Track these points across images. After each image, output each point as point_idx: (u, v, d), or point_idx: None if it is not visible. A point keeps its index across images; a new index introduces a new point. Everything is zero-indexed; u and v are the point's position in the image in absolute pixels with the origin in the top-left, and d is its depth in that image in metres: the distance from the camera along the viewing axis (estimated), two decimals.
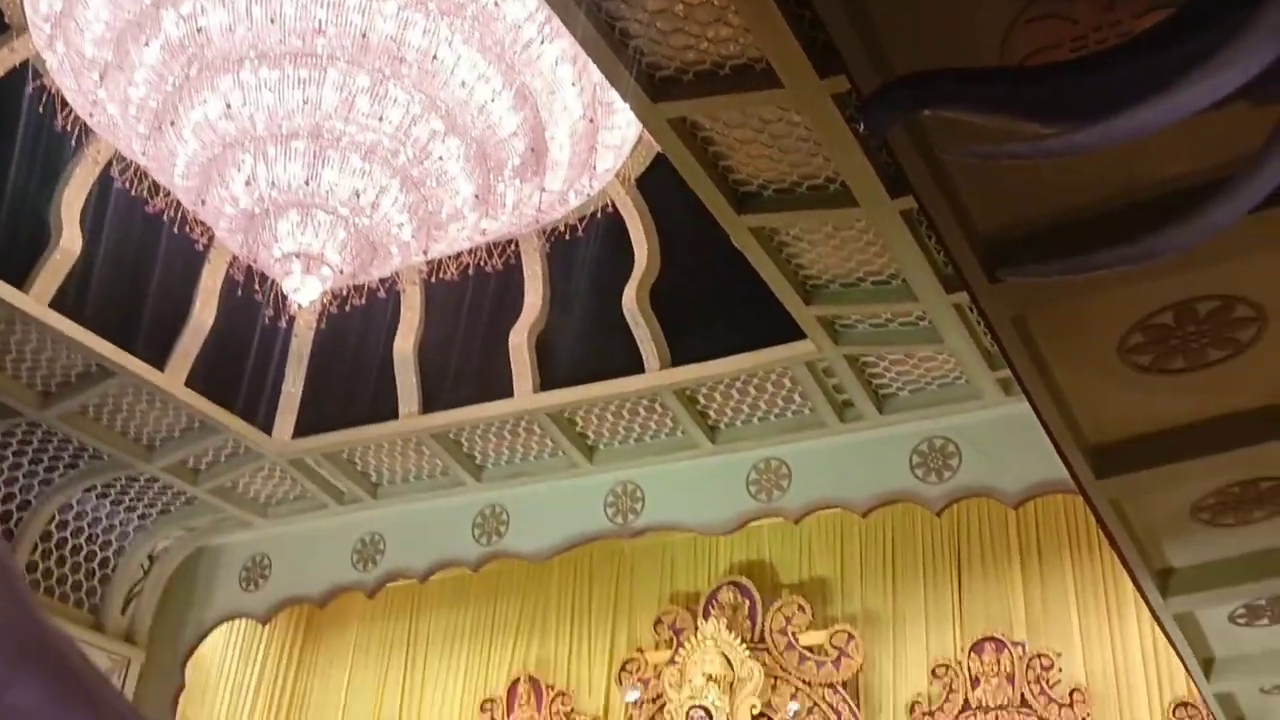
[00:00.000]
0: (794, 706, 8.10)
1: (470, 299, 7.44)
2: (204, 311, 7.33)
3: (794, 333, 6.40)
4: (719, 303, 6.80)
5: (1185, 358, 3.05)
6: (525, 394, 7.34)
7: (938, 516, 7.42)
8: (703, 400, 7.35)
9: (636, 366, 7.01)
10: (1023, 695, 8.08)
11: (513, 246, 7.40)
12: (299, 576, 8.87)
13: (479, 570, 8.67)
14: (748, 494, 7.56)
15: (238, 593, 9.04)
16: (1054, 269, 2.47)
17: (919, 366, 6.77)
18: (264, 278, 6.07)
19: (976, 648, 8.32)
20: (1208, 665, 4.88)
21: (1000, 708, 8.10)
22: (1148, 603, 4.25)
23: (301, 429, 7.89)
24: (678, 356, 6.93)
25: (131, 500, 8.57)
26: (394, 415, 7.71)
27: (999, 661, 8.22)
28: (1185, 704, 7.69)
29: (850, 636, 8.62)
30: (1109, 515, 3.59)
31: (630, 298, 6.90)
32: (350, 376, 7.76)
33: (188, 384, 7.30)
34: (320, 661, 10.75)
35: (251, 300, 6.57)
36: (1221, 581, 4.16)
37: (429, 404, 7.66)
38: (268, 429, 7.81)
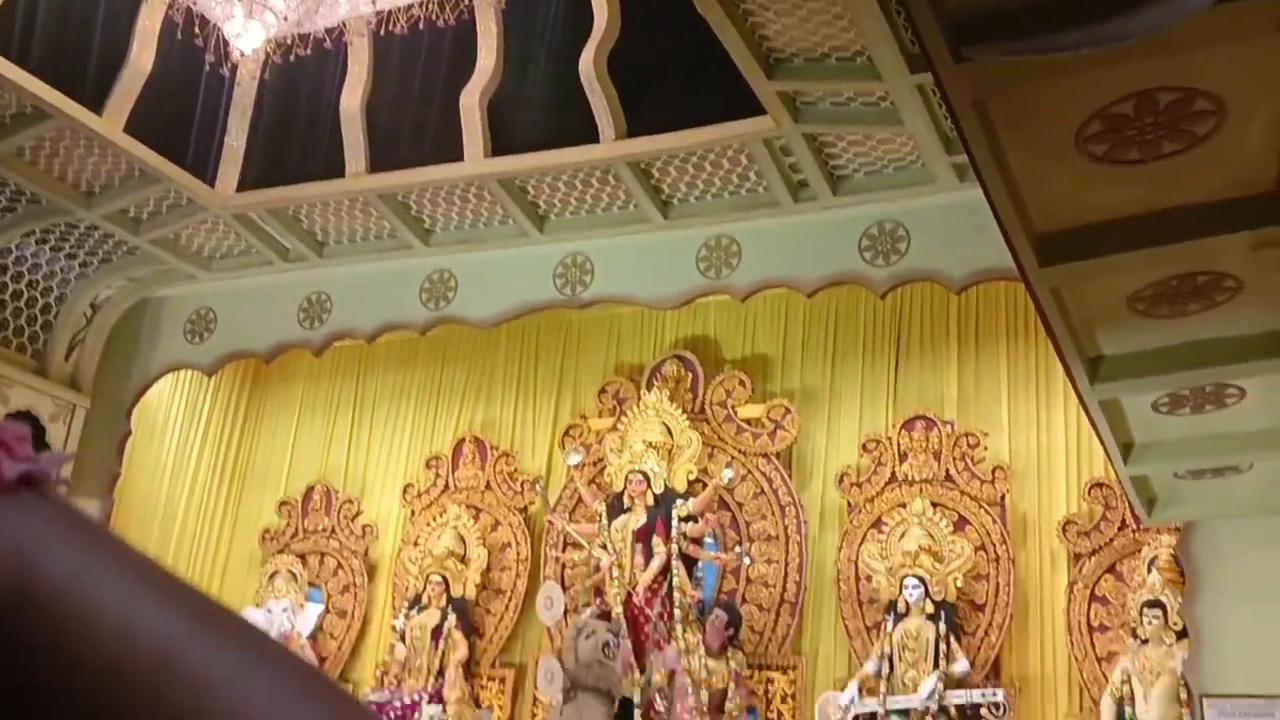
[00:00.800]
0: (728, 473, 8.39)
1: (421, 55, 7.19)
2: (142, 55, 7.01)
3: (753, 108, 6.28)
4: (678, 72, 6.63)
5: (1140, 149, 3.05)
6: (476, 158, 7.20)
7: (882, 299, 7.52)
8: (656, 174, 7.28)
9: (591, 136, 6.87)
10: (948, 471, 8.45)
11: (466, 1, 7.11)
12: (244, 331, 8.88)
13: (426, 335, 8.73)
14: (697, 270, 7.59)
15: (182, 344, 9.05)
16: (1021, 47, 2.44)
17: (876, 149, 6.72)
18: (204, 21, 5.79)
19: (907, 425, 8.63)
20: (1127, 449, 5.10)
21: (925, 481, 8.47)
22: (1076, 388, 4.39)
23: (245, 182, 7.72)
24: (634, 127, 6.79)
25: (72, 247, 8.44)
26: (340, 173, 7.55)
27: (928, 439, 8.55)
28: (1100, 484, 8.09)
29: (787, 410, 8.88)
30: (1048, 303, 3.66)
31: (588, 61, 6.69)
32: (295, 131, 7.55)
33: (127, 130, 7.06)
34: (266, 417, 10.91)
35: (193, 46, 6.30)
36: (1149, 371, 4.30)
37: (376, 163, 7.50)
38: (210, 181, 7.64)
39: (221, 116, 7.47)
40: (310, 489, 10.34)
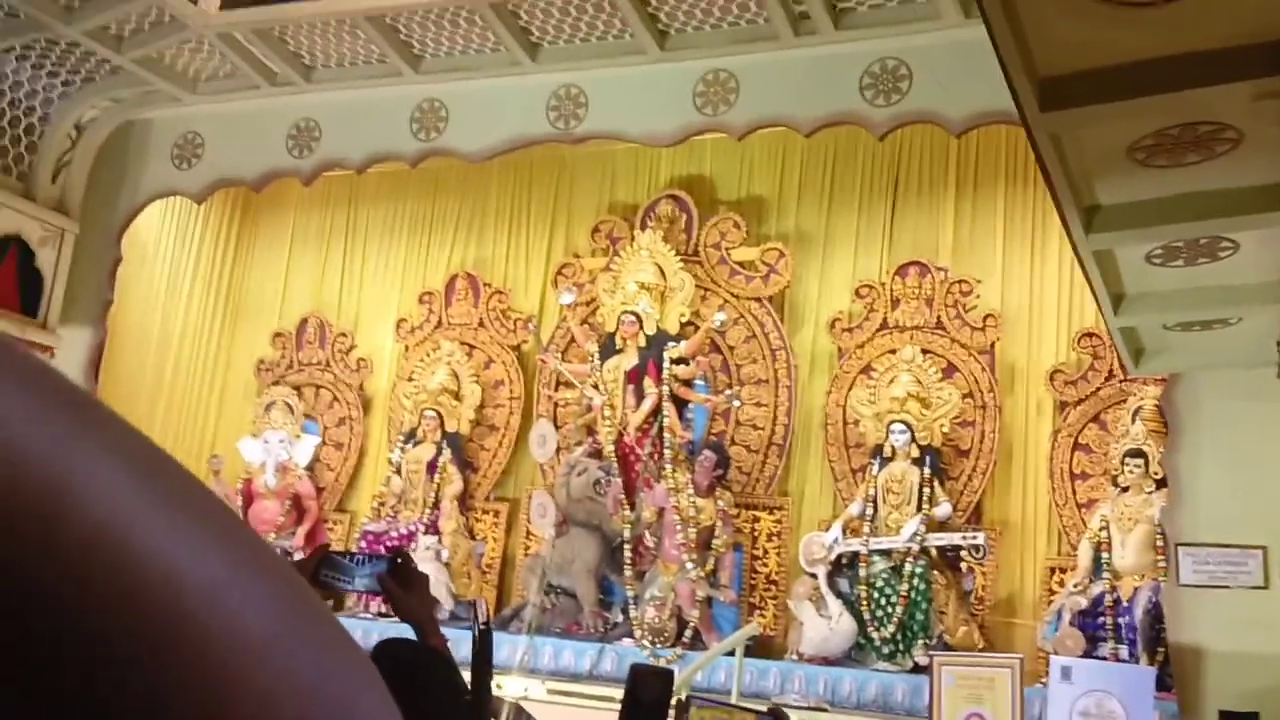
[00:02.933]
0: (720, 316, 8.41)
1: None
2: None
3: None
4: None
5: None
6: None
7: (880, 140, 7.39)
8: (654, 1, 7.05)
9: None
10: (939, 318, 8.47)
11: None
12: (233, 158, 8.73)
13: (417, 166, 8.60)
14: (693, 106, 7.42)
15: (170, 170, 8.92)
16: None
17: None
18: None
19: (901, 271, 8.61)
20: (1118, 300, 5.09)
21: (916, 328, 8.50)
22: (1070, 237, 4.35)
23: (229, 0, 7.49)
24: None
25: (54, 65, 8.22)
26: None
27: (921, 285, 8.54)
28: (1089, 334, 8.13)
29: (781, 254, 8.84)
30: (1046, 149, 3.59)
31: None
32: None
33: None
34: (259, 246, 10.86)
35: None
36: (1144, 222, 4.25)
37: None
38: None
39: None
40: (304, 321, 10.37)
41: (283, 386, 10.17)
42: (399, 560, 2.12)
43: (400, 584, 2.10)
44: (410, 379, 9.66)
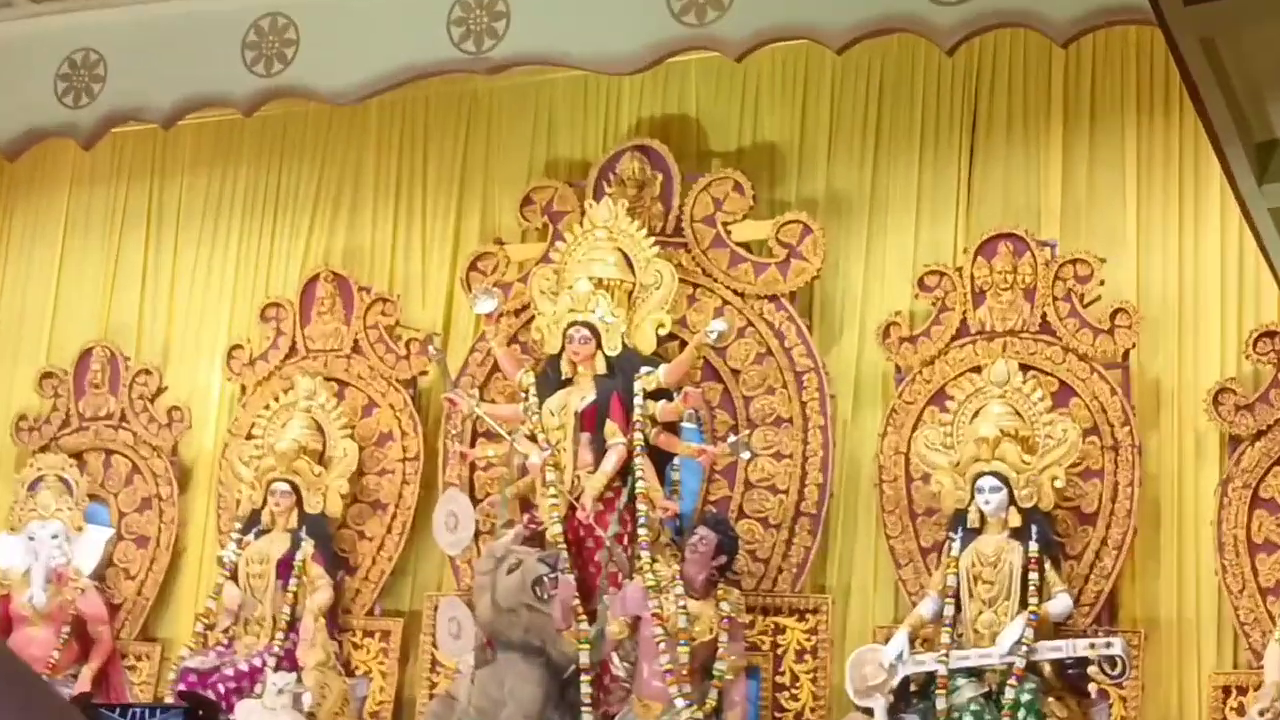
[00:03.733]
0: (718, 325, 8.36)
1: None
2: None
3: None
4: None
5: None
6: None
7: (949, 55, 7.46)
8: None
9: None
10: (1044, 316, 8.52)
11: None
12: None
13: (254, 115, 8.60)
14: (669, 12, 7.48)
15: None
16: None
17: None
18: None
19: (985, 248, 8.67)
20: None
21: (1011, 333, 8.55)
22: (1236, 189, 4.43)
23: None
24: None
25: None
26: None
27: (1016, 268, 8.59)
28: (1271, 334, 8.19)
29: (806, 229, 8.88)
30: (1194, 61, 3.66)
31: None
32: None
33: None
34: (14, 242, 10.83)
35: None
36: None
37: None
38: None
39: None
40: (87, 353, 10.32)
41: (55, 453, 10.11)
42: (200, 714, 2.12)
43: None
44: (250, 436, 9.63)
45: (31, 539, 9.62)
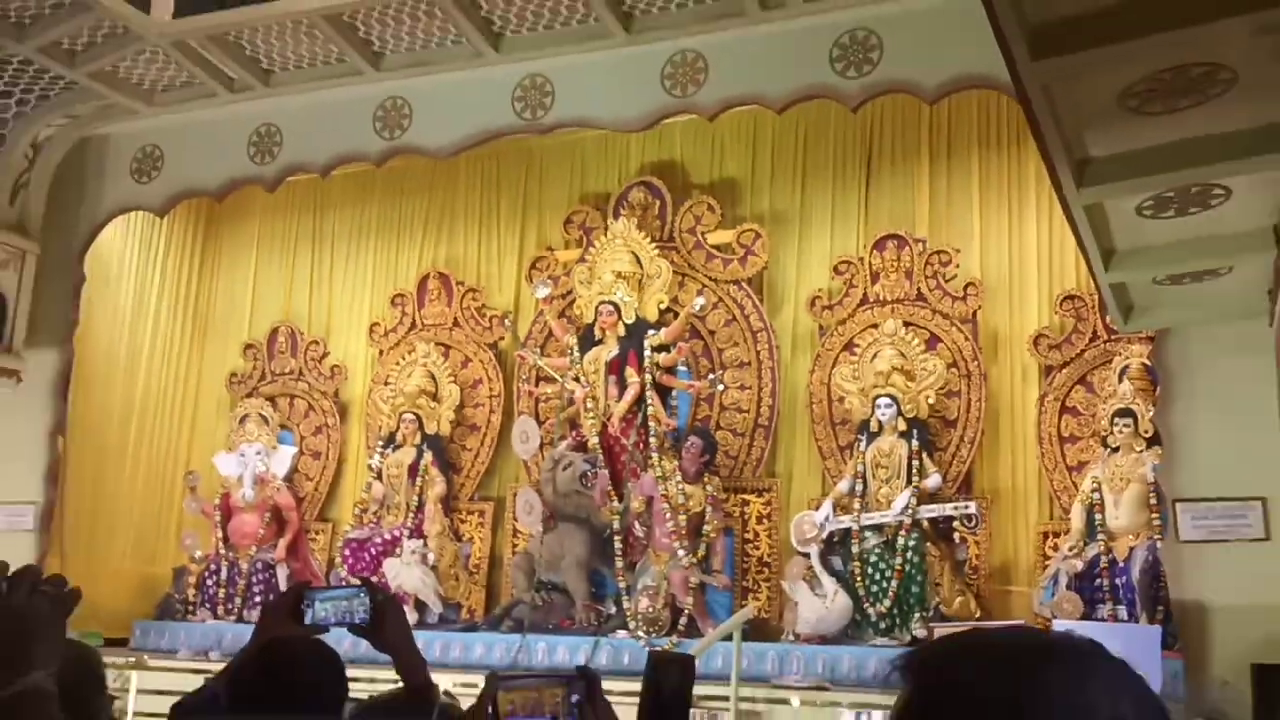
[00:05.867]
0: (700, 301, 8.29)
1: None
2: None
3: None
4: None
5: None
6: None
7: (854, 112, 7.29)
8: None
9: None
10: (920, 289, 8.40)
11: None
12: (194, 168, 8.53)
13: (383, 166, 8.45)
14: (662, 89, 7.29)
15: (130, 184, 8.70)
16: None
17: None
18: None
19: (878, 244, 8.53)
20: (1108, 256, 5.01)
21: (897, 301, 8.42)
22: (1061, 193, 4.26)
23: (182, 8, 7.28)
24: None
25: (6, 84, 7.97)
26: None
27: (899, 257, 8.47)
28: (1072, 296, 8.08)
29: (757, 235, 8.75)
30: (1038, 101, 3.50)
31: None
32: None
33: None
34: (224, 257, 10.67)
35: None
36: (1136, 172, 4.17)
37: None
38: (144, 7, 7.18)
39: None
40: (275, 330, 10.20)
41: (256, 398, 9.99)
42: (366, 592, 1.99)
43: (373, 617, 1.98)
44: (386, 383, 9.51)
45: (242, 455, 9.51)
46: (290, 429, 9.95)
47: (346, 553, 8.86)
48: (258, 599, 9.10)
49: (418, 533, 8.82)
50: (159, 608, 9.35)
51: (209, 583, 9.23)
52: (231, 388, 10.23)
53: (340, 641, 2.17)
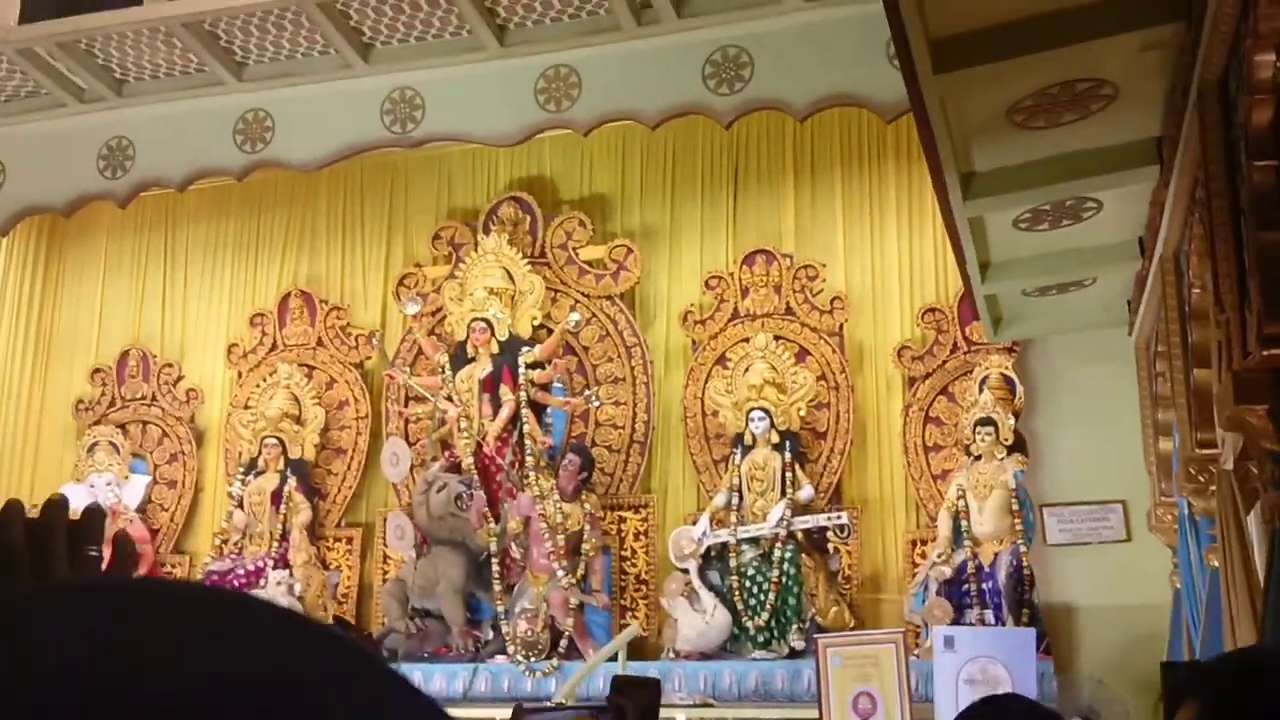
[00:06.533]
0: (575, 317, 8.21)
1: None
2: None
3: None
4: None
5: None
6: None
7: (727, 129, 7.33)
8: None
9: None
10: (788, 304, 8.48)
11: None
12: (38, 183, 8.03)
13: (243, 180, 8.10)
14: (536, 103, 7.19)
15: None
16: None
17: None
18: None
19: (747, 260, 8.59)
20: (984, 269, 5.13)
21: (767, 315, 8.49)
22: (945, 206, 4.33)
23: (29, 13, 6.84)
24: None
25: None
26: (138, 0, 6.77)
27: (768, 272, 8.54)
28: (932, 309, 8.27)
29: (629, 250, 8.71)
30: (935, 114, 3.53)
31: None
32: None
33: None
34: (68, 277, 10.07)
35: None
36: (1017, 186, 4.28)
37: None
38: None
39: None
40: (125, 354, 9.67)
41: (106, 425, 9.47)
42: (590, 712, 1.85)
43: None
44: (246, 406, 9.12)
45: (92, 486, 8.99)
46: (143, 457, 9.45)
47: (207, 584, 8.45)
48: None
49: (282, 562, 8.47)
50: None
51: None
52: (78, 415, 9.66)
53: None
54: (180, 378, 9.60)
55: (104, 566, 1.02)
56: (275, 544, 8.57)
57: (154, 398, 9.58)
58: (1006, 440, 7.62)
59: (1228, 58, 2.99)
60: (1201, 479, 4.02)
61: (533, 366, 8.20)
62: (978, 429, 7.75)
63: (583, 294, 8.72)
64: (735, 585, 7.71)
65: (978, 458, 7.76)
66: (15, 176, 8.08)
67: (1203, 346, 3.78)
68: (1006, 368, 7.73)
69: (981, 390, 7.89)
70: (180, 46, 7.14)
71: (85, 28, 6.92)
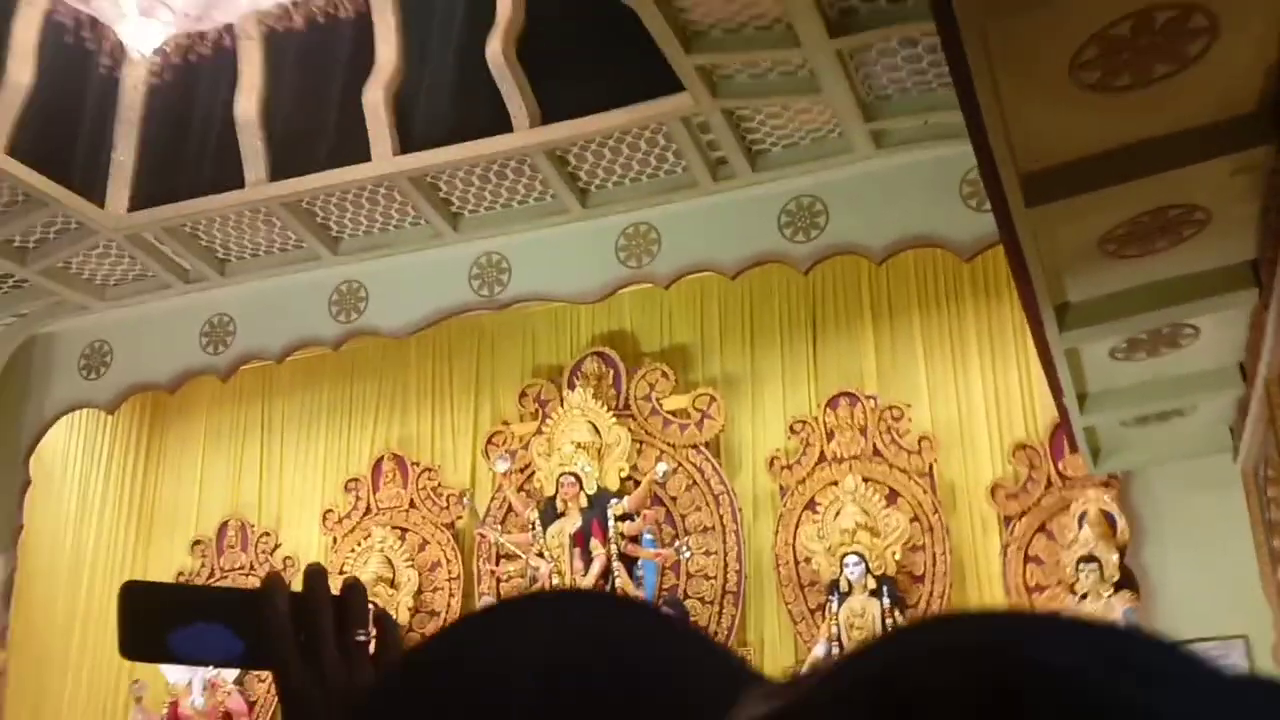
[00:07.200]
0: (662, 467, 8.19)
1: (318, 52, 6.76)
2: (21, 68, 6.41)
3: (670, 86, 6.06)
4: (590, 53, 6.34)
5: (1132, 73, 2.92)
6: (383, 157, 6.80)
7: (805, 275, 7.39)
8: (573, 161, 6.98)
9: (504, 125, 6.55)
10: (875, 446, 8.37)
11: None
12: (144, 362, 8.30)
13: (338, 349, 8.31)
14: (617, 260, 7.34)
15: (79, 381, 8.42)
16: None
17: (794, 119, 6.55)
18: (94, 23, 5.31)
19: (831, 403, 8.53)
20: (1081, 400, 5.03)
21: (854, 458, 8.38)
22: (1041, 339, 4.28)
23: (137, 201, 7.18)
24: (547, 113, 6.50)
25: None
26: (239, 183, 7.08)
27: (852, 415, 8.46)
28: (1023, 446, 8.11)
29: (712, 399, 8.71)
30: (1029, 246, 3.53)
31: (495, 47, 6.37)
32: (188, 142, 7.03)
33: (9, 152, 6.47)
34: (170, 451, 10.30)
35: (76, 54, 5.76)
36: (1112, 315, 4.22)
37: (277, 171, 7.04)
38: (100, 202, 7.08)
39: (109, 129, 6.91)
40: (224, 525, 9.79)
41: None
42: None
43: None
44: (341, 572, 9.11)
45: None
46: None
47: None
48: None
49: None
50: None
51: None
52: None
53: None
54: (277, 546, 9.67)
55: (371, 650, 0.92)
56: None
57: (251, 567, 9.63)
58: (1112, 577, 7.35)
59: None
60: None
61: (622, 519, 8.15)
62: (1081, 566, 7.50)
63: (668, 444, 8.70)
64: None
65: (1083, 596, 7.48)
66: (122, 356, 8.36)
67: None
68: (1105, 502, 7.50)
69: (1081, 526, 7.66)
70: (279, 225, 7.43)
71: (189, 212, 7.23)
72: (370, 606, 0.94)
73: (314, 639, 0.88)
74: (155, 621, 0.87)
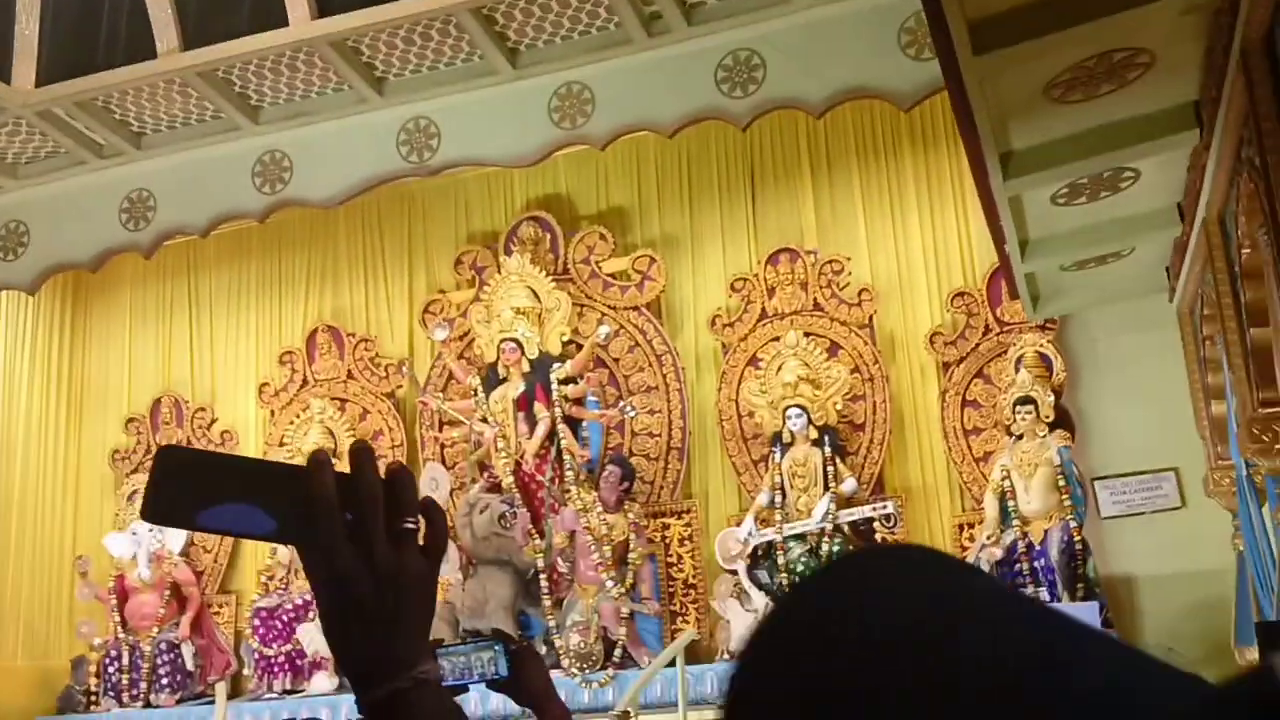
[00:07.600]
0: (604, 329, 8.18)
1: None
2: None
3: None
4: None
5: None
6: (301, 21, 6.52)
7: (744, 131, 7.29)
8: (501, 19, 6.76)
9: None
10: (815, 299, 8.44)
11: None
12: (63, 241, 8.05)
13: (264, 222, 8.10)
14: (550, 121, 7.18)
15: None
16: None
17: None
18: None
19: (771, 259, 8.55)
20: (1023, 247, 5.09)
21: (795, 313, 8.45)
22: (984, 187, 4.29)
23: (45, 75, 6.84)
24: None
25: None
26: (151, 54, 6.76)
27: (793, 270, 8.50)
28: (961, 294, 8.21)
29: (652, 260, 8.68)
30: (975, 95, 3.50)
31: None
32: (96, 12, 6.68)
33: None
34: (96, 329, 10.09)
35: None
36: (1055, 161, 4.24)
37: (191, 39, 6.73)
38: (5, 78, 6.73)
39: (11, 2, 6.51)
40: (157, 401, 9.68)
41: (143, 474, 9.44)
42: (500, 644, 1.82)
43: (512, 668, 1.80)
44: (281, 444, 9.10)
45: (134, 534, 8.99)
46: None
47: (256, 622, 8.46)
48: (164, 681, 8.63)
49: None
50: (60, 701, 8.76)
51: (110, 670, 8.70)
52: (115, 464, 9.67)
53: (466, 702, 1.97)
54: (214, 420, 9.60)
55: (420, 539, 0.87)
56: None
57: (189, 442, 9.55)
58: (1047, 417, 7.56)
59: (1272, 14, 2.96)
60: (1265, 438, 3.97)
61: (565, 382, 8.18)
62: (1017, 408, 7.69)
63: (609, 307, 8.69)
64: (785, 582, 7.66)
65: (1019, 437, 7.70)
66: (40, 236, 8.10)
67: (1257, 305, 3.74)
68: (1042, 345, 7.67)
69: (1018, 370, 7.83)
70: (195, 95, 7.14)
71: (101, 85, 6.91)
72: (423, 501, 0.89)
73: (363, 523, 0.83)
74: (186, 496, 0.84)
